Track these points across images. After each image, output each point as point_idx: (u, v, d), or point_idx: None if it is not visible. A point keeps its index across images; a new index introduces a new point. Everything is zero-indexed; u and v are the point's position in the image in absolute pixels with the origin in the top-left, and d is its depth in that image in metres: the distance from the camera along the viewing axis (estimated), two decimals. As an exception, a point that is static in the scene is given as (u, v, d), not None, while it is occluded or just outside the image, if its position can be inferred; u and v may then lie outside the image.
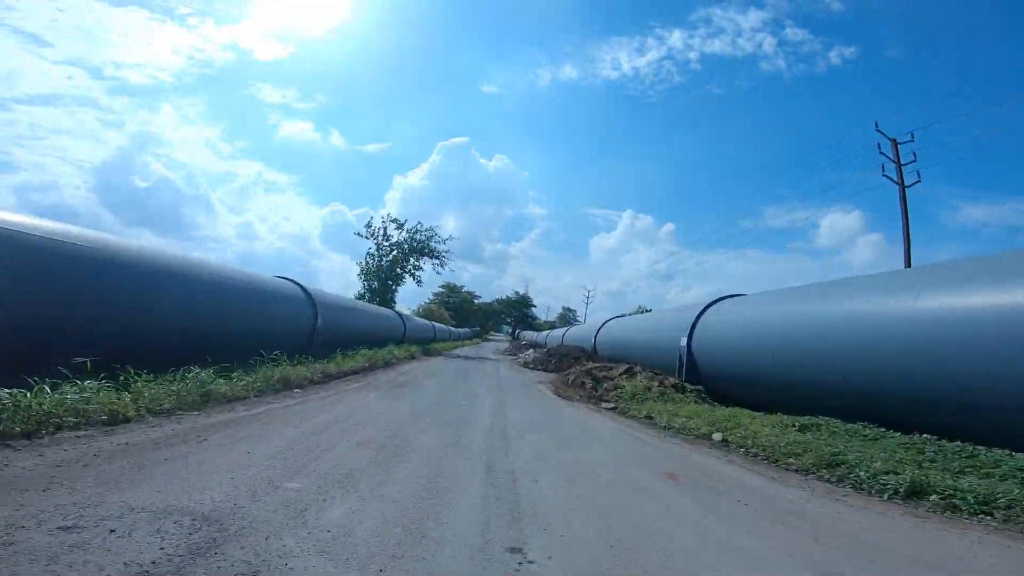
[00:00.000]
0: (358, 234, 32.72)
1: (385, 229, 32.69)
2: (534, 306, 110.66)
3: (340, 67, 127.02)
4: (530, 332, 79.98)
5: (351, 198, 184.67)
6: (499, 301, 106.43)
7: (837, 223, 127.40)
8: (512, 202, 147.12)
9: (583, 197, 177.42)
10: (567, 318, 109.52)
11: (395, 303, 33.44)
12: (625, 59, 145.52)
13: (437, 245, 33.19)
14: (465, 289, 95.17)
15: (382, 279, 32.38)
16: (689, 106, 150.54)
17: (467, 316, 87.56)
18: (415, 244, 33.04)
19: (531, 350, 33.31)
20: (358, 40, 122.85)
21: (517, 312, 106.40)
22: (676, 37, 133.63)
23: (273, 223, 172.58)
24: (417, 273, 33.42)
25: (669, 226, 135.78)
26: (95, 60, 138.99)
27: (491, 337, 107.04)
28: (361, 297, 31.64)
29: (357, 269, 32.33)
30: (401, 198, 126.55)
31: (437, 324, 47.25)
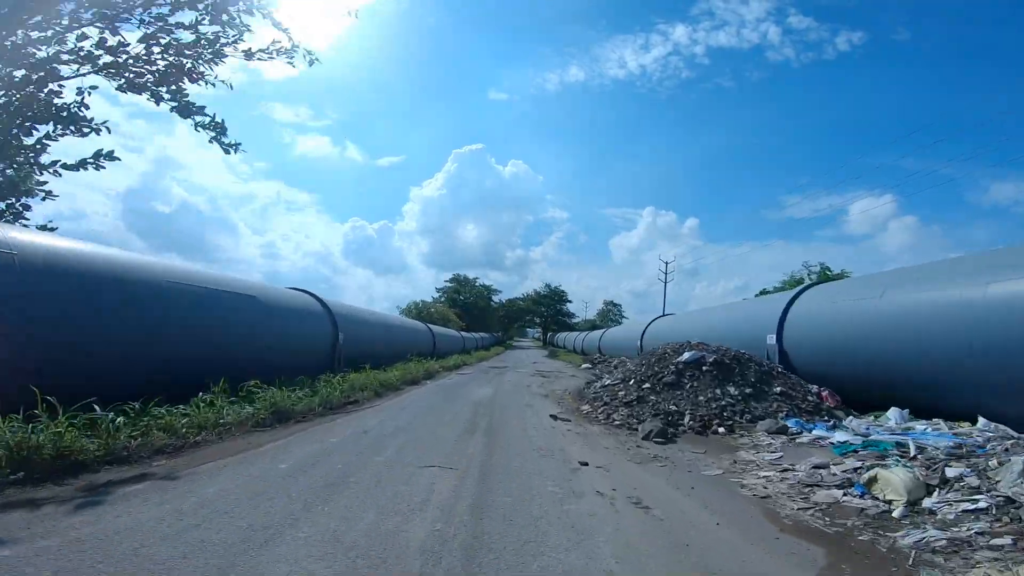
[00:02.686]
0: None
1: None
2: (569, 301, 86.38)
3: (349, 82, 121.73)
4: (570, 335, 58.35)
5: (370, 212, 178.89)
6: (524, 298, 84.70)
7: (866, 208, 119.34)
8: (530, 207, 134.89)
9: (602, 198, 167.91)
10: (609, 315, 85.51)
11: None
12: (631, 57, 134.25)
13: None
14: (480, 283, 70.60)
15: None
16: (700, 100, 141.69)
17: (484, 318, 66.32)
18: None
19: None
20: (364, 54, 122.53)
21: (548, 310, 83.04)
22: (680, 32, 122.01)
23: (296, 242, 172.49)
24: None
25: (692, 221, 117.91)
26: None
27: (517, 343, 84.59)
28: None
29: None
30: (420, 210, 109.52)
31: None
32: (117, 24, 7.24)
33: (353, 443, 5.58)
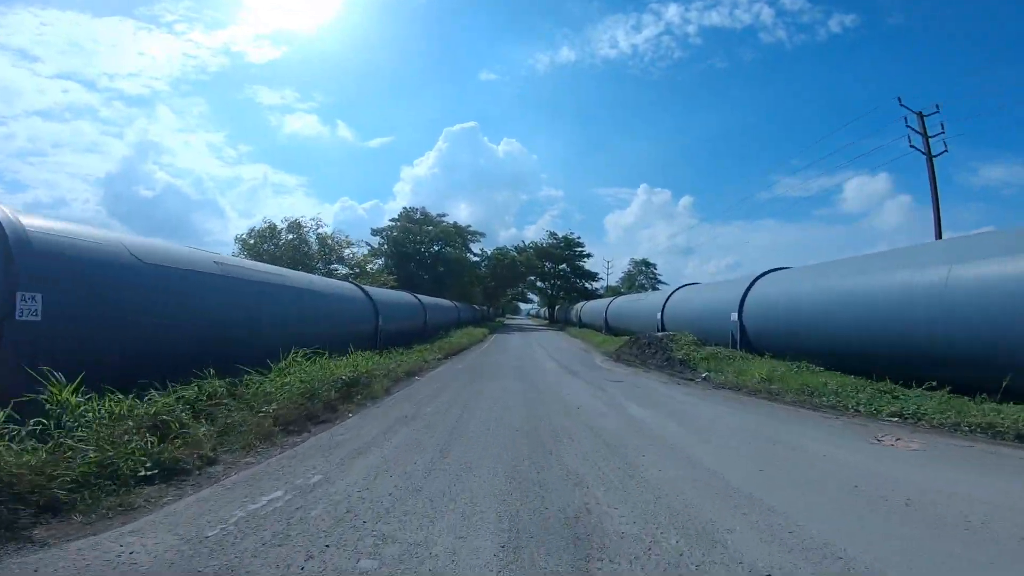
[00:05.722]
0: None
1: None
2: (589, 255, 59.70)
3: (335, 65, 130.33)
4: (621, 307, 28.95)
5: (359, 192, 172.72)
6: (522, 248, 58.21)
7: (860, 187, 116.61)
8: (524, 186, 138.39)
9: (597, 177, 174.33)
10: (637, 280, 62.33)
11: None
12: (622, 37, 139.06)
13: None
14: (451, 221, 44.78)
15: None
16: (693, 81, 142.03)
17: (457, 277, 41.87)
18: None
19: None
20: (349, 36, 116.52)
21: (559, 268, 58.83)
22: (673, 11, 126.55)
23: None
24: None
25: (687, 199, 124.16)
26: (88, 73, 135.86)
27: (511, 321, 67.25)
28: None
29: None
30: (411, 189, 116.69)
31: (405, 301, 22.04)
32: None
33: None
